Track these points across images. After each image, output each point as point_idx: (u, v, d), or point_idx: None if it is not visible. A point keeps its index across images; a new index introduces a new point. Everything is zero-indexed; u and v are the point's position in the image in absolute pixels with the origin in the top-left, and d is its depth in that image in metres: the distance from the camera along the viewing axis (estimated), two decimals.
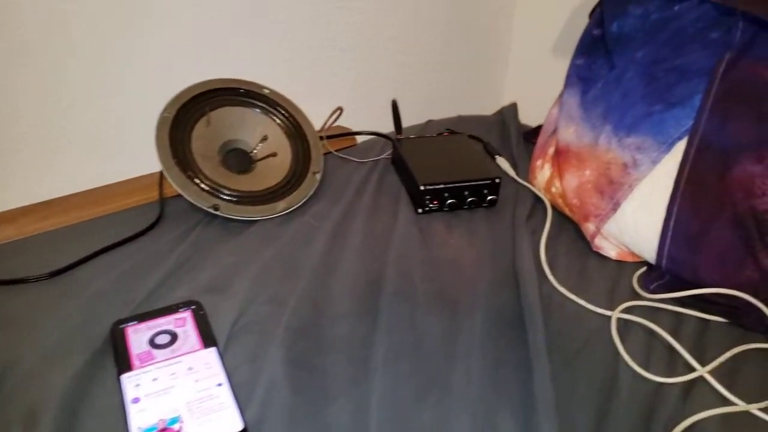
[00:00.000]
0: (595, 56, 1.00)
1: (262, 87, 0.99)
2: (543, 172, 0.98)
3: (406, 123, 1.31)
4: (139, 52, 0.95)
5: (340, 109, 1.16)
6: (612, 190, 0.84)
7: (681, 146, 0.80)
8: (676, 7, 0.89)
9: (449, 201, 0.93)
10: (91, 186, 0.97)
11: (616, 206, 0.83)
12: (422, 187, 0.91)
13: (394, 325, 0.70)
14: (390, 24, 1.25)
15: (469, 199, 0.94)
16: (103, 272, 0.77)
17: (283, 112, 0.99)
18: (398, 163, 1.05)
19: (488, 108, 1.43)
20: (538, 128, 1.17)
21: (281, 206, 0.91)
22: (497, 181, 0.94)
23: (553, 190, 0.94)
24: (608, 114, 0.89)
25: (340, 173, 1.06)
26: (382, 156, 1.12)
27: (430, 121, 1.32)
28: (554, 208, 0.96)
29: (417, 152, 1.03)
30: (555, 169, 0.94)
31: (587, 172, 0.88)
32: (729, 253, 0.74)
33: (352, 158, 1.11)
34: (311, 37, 1.15)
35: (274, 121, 0.99)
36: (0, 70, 0.84)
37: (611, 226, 0.84)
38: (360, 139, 1.22)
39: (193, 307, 0.71)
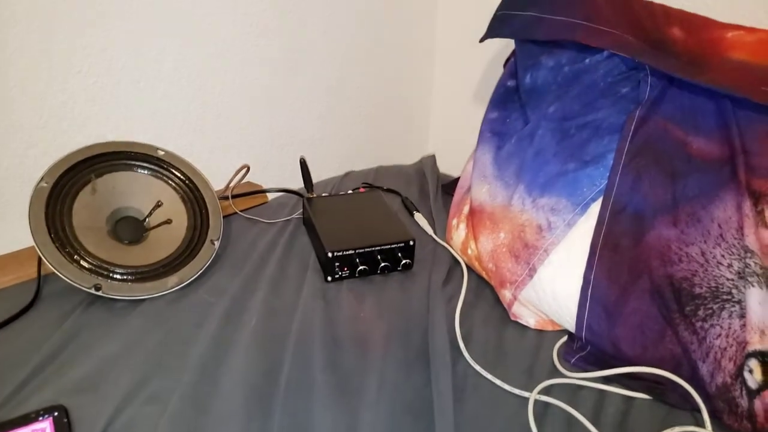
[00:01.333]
0: (510, 109, 0.95)
1: (156, 149, 0.89)
2: (458, 233, 0.90)
3: (325, 174, 1.24)
4: (15, 109, 0.83)
5: (247, 167, 1.07)
6: (527, 254, 0.77)
7: (596, 208, 0.75)
8: (587, 60, 0.85)
9: (360, 267, 0.84)
10: None
11: (532, 272, 0.76)
12: (330, 254, 0.83)
13: (289, 425, 0.61)
14: (303, 74, 1.18)
15: (383, 264, 0.86)
16: None
17: (179, 175, 0.90)
18: (308, 223, 0.97)
19: (412, 157, 1.36)
20: (456, 180, 1.10)
21: (172, 281, 0.80)
22: (411, 243, 0.86)
23: (469, 251, 0.87)
24: (521, 172, 0.83)
25: (245, 237, 0.97)
26: (293, 215, 1.04)
27: (349, 173, 1.25)
28: (471, 270, 0.89)
29: (328, 212, 0.95)
30: (470, 230, 0.87)
31: (502, 235, 0.81)
32: (648, 325, 0.68)
33: (260, 219, 1.02)
34: (215, 92, 1.05)
35: (169, 185, 0.89)
36: None
37: (528, 292, 0.77)
38: (272, 196, 1.13)
39: (55, 414, 0.60)
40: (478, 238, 0.85)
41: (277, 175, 1.21)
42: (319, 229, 0.90)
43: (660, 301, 0.68)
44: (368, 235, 0.88)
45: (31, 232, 0.75)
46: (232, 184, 1.06)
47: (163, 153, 0.90)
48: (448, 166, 1.32)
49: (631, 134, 0.76)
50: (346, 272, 0.86)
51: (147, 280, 0.80)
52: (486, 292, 0.85)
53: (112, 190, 0.85)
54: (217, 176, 1.07)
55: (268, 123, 1.15)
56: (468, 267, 0.89)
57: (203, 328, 0.74)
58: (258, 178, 1.17)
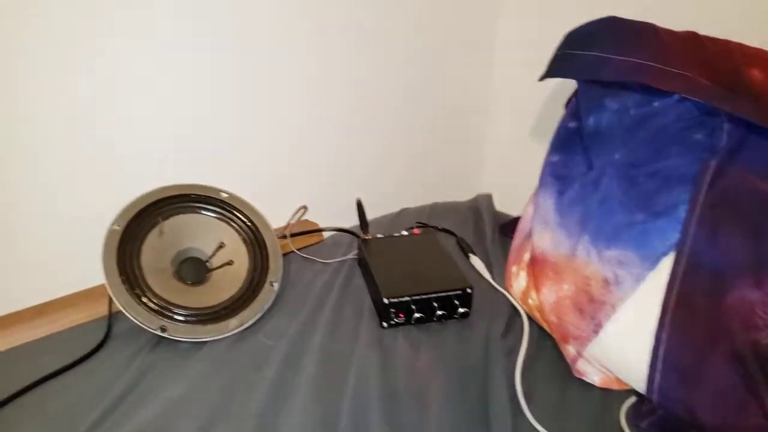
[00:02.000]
0: (572, 152, 0.91)
1: (219, 191, 0.91)
2: (519, 281, 0.87)
3: (379, 211, 1.24)
4: (88, 156, 0.87)
5: (304, 207, 1.08)
6: (593, 308, 0.73)
7: (668, 263, 0.70)
8: (656, 104, 0.80)
9: (417, 315, 0.82)
10: (37, 300, 0.87)
11: (597, 328, 0.72)
12: (387, 301, 0.81)
13: None
14: (361, 114, 1.18)
15: (439, 312, 0.83)
16: (36, 411, 0.68)
17: (242, 217, 0.91)
18: (364, 265, 0.97)
19: (467, 193, 1.34)
20: (516, 220, 1.06)
21: (233, 324, 0.81)
22: (469, 291, 0.84)
23: (530, 301, 0.84)
24: (586, 221, 0.79)
25: (302, 277, 0.97)
26: (348, 256, 1.04)
27: (403, 210, 1.25)
28: (532, 320, 0.86)
29: (383, 255, 0.94)
30: (531, 279, 0.84)
31: (565, 287, 0.77)
32: (729, 394, 0.63)
33: (316, 258, 1.02)
34: (274, 134, 1.07)
35: (232, 226, 0.91)
36: None
37: (594, 349, 0.73)
38: (328, 234, 1.14)
39: None
40: (540, 289, 0.82)
41: (333, 212, 1.20)
42: (375, 273, 0.89)
43: (742, 369, 0.63)
44: (424, 281, 0.87)
45: (104, 273, 0.78)
46: (290, 223, 1.07)
47: (226, 195, 0.91)
48: (503, 204, 1.29)
49: (707, 185, 0.72)
50: (401, 319, 0.84)
51: (209, 322, 0.81)
52: (548, 345, 0.82)
53: (177, 231, 0.88)
54: (275, 215, 1.09)
55: (326, 162, 1.17)
56: (529, 317, 0.86)
57: (262, 372, 0.75)
58: (314, 215, 1.17)
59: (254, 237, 0.91)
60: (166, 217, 0.87)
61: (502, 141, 1.46)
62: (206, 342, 0.80)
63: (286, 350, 0.78)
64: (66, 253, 0.89)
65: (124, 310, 0.77)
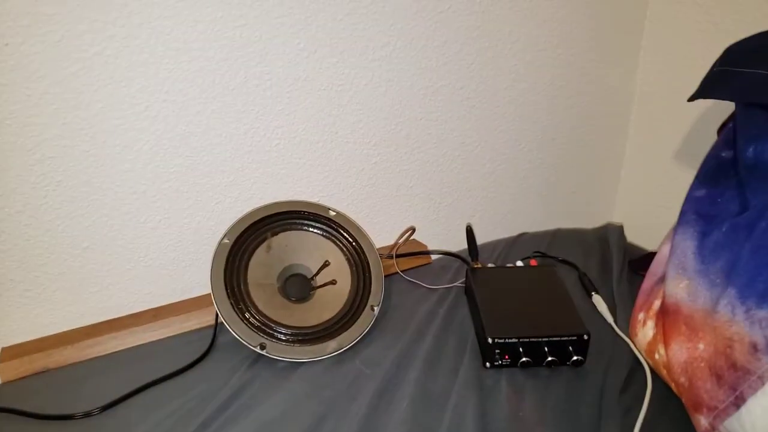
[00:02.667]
0: (723, 187, 0.81)
1: (327, 209, 0.93)
2: (645, 331, 0.79)
3: (496, 233, 1.19)
4: (203, 169, 0.93)
5: (412, 229, 1.07)
6: (734, 377, 0.63)
7: None
8: None
9: (524, 359, 0.77)
10: (154, 304, 0.95)
11: (739, 401, 0.63)
12: (491, 341, 0.77)
13: None
14: (477, 129, 1.14)
15: (550, 358, 0.77)
16: (140, 417, 0.73)
17: (347, 236, 0.92)
18: (471, 296, 0.93)
19: (595, 219, 1.25)
20: (649, 257, 0.97)
21: (332, 346, 0.82)
22: (586, 338, 0.77)
23: (657, 356, 0.75)
24: (733, 271, 0.69)
25: (405, 301, 0.96)
26: (455, 284, 1.00)
27: (522, 235, 1.19)
28: (657, 376, 0.77)
29: (493, 288, 0.90)
30: (659, 331, 0.75)
31: (701, 346, 0.68)
32: None
33: (421, 283, 1.00)
34: (388, 153, 1.07)
35: (337, 245, 0.92)
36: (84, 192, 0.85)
37: (732, 425, 0.64)
38: (435, 256, 1.11)
39: None
40: (670, 344, 0.73)
41: (443, 234, 1.19)
42: (482, 307, 0.85)
43: None
44: (536, 322, 0.81)
45: (211, 286, 0.83)
46: (398, 243, 1.07)
47: (334, 213, 0.93)
48: (636, 236, 1.18)
49: None
50: (506, 360, 0.79)
51: (308, 343, 0.82)
52: (672, 408, 0.72)
53: (285, 248, 0.91)
54: (381, 235, 1.10)
55: (438, 179, 1.14)
56: (653, 373, 0.77)
57: (356, 402, 0.74)
58: (423, 236, 1.16)
59: (358, 258, 0.92)
60: (275, 233, 0.90)
61: (639, 165, 1.34)
62: (303, 362, 0.82)
63: (381, 381, 0.77)
64: (183, 261, 0.95)
65: (227, 324, 0.80)
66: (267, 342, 0.81)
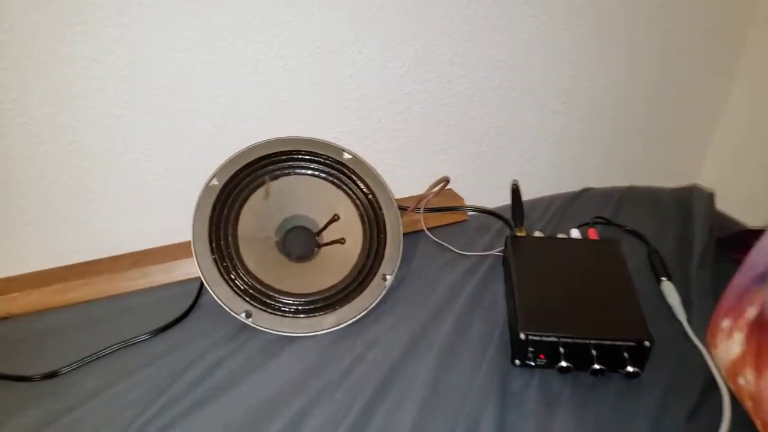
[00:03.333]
0: None
1: (341, 150, 0.78)
2: (729, 344, 0.62)
3: (554, 187, 1.02)
4: (191, 92, 0.78)
5: (447, 179, 0.91)
6: None
7: None
8: None
9: (563, 364, 0.63)
10: (136, 247, 0.85)
11: None
12: (523, 336, 0.64)
13: None
14: (543, 56, 0.94)
15: (597, 366, 0.63)
16: (99, 385, 0.65)
17: (363, 187, 0.78)
18: (508, 271, 0.77)
19: (674, 179, 1.04)
20: (745, 237, 0.78)
21: (329, 321, 0.70)
22: (646, 345, 0.62)
23: (741, 382, 0.59)
24: None
25: (428, 268, 0.82)
26: (492, 251, 0.85)
27: (586, 191, 1.00)
28: (737, 404, 0.60)
29: (536, 265, 0.74)
30: (751, 350, 0.59)
31: None
32: None
33: (451, 247, 0.85)
34: (423, 79, 0.88)
35: (350, 197, 0.78)
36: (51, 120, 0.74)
37: None
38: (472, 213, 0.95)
39: None
40: (764, 372, 0.57)
41: (484, 184, 1.02)
42: (519, 290, 0.70)
43: None
44: (584, 316, 0.66)
45: (192, 238, 0.71)
46: (428, 194, 0.91)
47: (349, 157, 0.78)
48: (728, 205, 0.95)
49: None
50: (541, 360, 0.65)
51: (303, 314, 0.71)
52: None
53: (286, 195, 0.77)
54: (407, 183, 0.95)
55: (485, 117, 0.95)
56: (733, 400, 0.61)
57: (350, 396, 0.62)
58: (459, 186, 1.00)
59: (374, 214, 0.77)
60: (275, 177, 0.77)
61: (743, 112, 1.10)
62: (295, 337, 0.70)
63: (384, 371, 0.65)
64: (169, 202, 0.84)
65: (207, 285, 0.69)
66: (253, 310, 0.70)
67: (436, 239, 0.87)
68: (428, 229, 0.88)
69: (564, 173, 1.07)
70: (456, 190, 0.99)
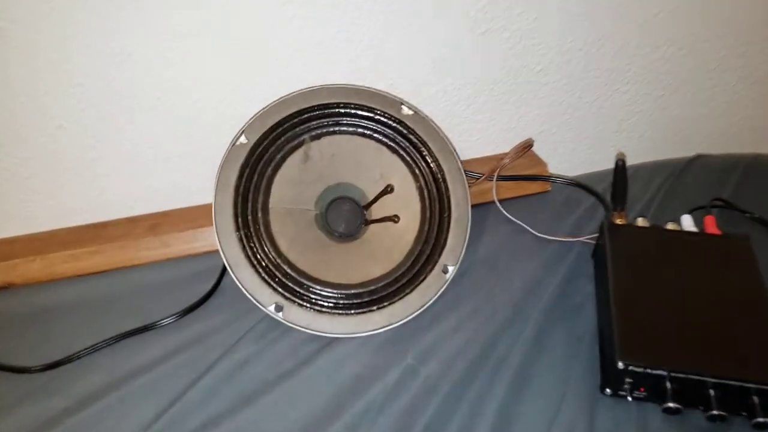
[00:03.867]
0: None
1: (400, 104, 0.64)
2: None
3: (658, 153, 0.85)
4: (218, 23, 0.64)
5: (530, 143, 0.75)
6: None
7: None
8: None
9: (671, 405, 0.50)
10: (152, 207, 0.75)
11: None
12: (621, 365, 0.51)
13: None
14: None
15: (715, 412, 0.50)
16: (98, 382, 0.56)
17: (426, 153, 0.64)
18: (601, 266, 0.62)
19: None
20: None
21: (375, 321, 0.59)
22: None
23: None
24: None
25: (499, 256, 0.68)
26: (581, 237, 0.69)
27: (697, 159, 0.83)
28: None
29: (639, 267, 0.59)
30: None
31: None
32: None
33: (528, 228, 0.71)
34: (505, 15, 0.71)
35: (407, 165, 0.64)
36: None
37: None
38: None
39: None
40: None
41: (574, 151, 0.86)
42: (617, 302, 0.55)
43: None
44: (703, 343, 0.51)
45: (214, 210, 0.59)
46: (505, 159, 0.76)
47: (410, 113, 0.64)
48: None
49: None
50: (640, 393, 0.53)
51: (343, 309, 0.59)
52: None
53: (330, 159, 0.64)
54: (477, 143, 0.81)
55: (578, 65, 0.78)
56: None
57: (394, 423, 0.52)
58: (543, 151, 0.83)
59: (436, 189, 0.63)
60: (317, 136, 0.63)
61: None
62: (332, 338, 0.59)
63: (442, 396, 0.53)
64: (193, 157, 0.73)
65: (230, 270, 0.58)
66: (284, 302, 0.58)
67: (510, 216, 0.72)
68: (501, 201, 0.74)
69: (672, 134, 0.89)
70: (536, 149, 0.82)
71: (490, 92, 0.76)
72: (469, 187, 0.66)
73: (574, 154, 0.85)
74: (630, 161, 0.81)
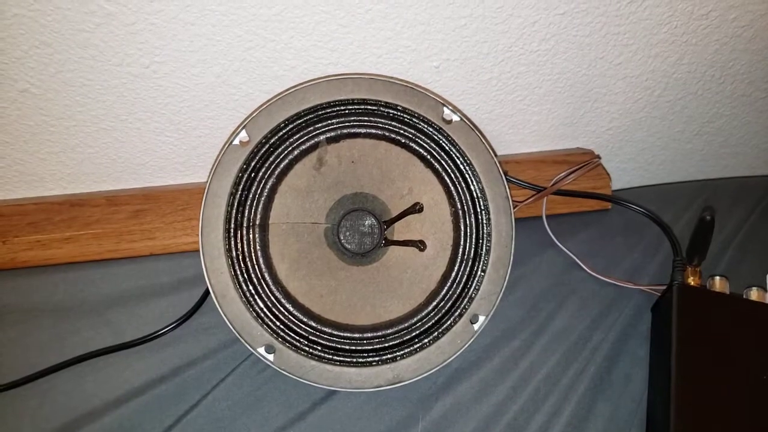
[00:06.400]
0: None
1: (442, 106, 0.50)
2: None
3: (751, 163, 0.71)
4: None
5: (596, 157, 0.62)
6: None
7: None
8: None
9: None
10: (143, 181, 0.63)
11: None
12: None
13: None
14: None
15: None
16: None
17: (467, 169, 0.51)
18: (660, 338, 0.51)
19: None
20: None
21: (384, 377, 0.49)
22: None
23: None
24: None
25: (538, 297, 0.57)
26: (641, 286, 0.57)
27: None
28: None
29: (712, 352, 0.48)
30: None
31: None
32: None
33: (581, 263, 0.58)
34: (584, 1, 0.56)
35: (442, 181, 0.52)
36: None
37: None
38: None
39: None
40: None
41: (639, 162, 0.72)
42: (678, 395, 0.45)
43: None
44: None
45: (201, 224, 0.49)
46: (564, 176, 0.61)
47: (456, 119, 0.50)
48: None
49: None
50: None
51: (346, 356, 0.49)
52: None
53: (349, 166, 0.52)
54: (530, 136, 0.67)
55: (665, 58, 0.61)
56: None
57: None
58: (606, 150, 0.70)
59: (475, 219, 0.51)
60: (335, 139, 0.51)
61: None
62: (329, 391, 0.50)
63: None
64: (190, 130, 0.60)
65: (215, 300, 0.48)
66: (277, 344, 0.49)
67: (558, 243, 0.59)
68: (549, 216, 0.61)
69: (753, 154, 0.73)
70: (600, 149, 0.68)
71: (553, 84, 0.61)
72: (524, 202, 0.55)
73: (641, 156, 0.71)
74: (707, 174, 0.69)
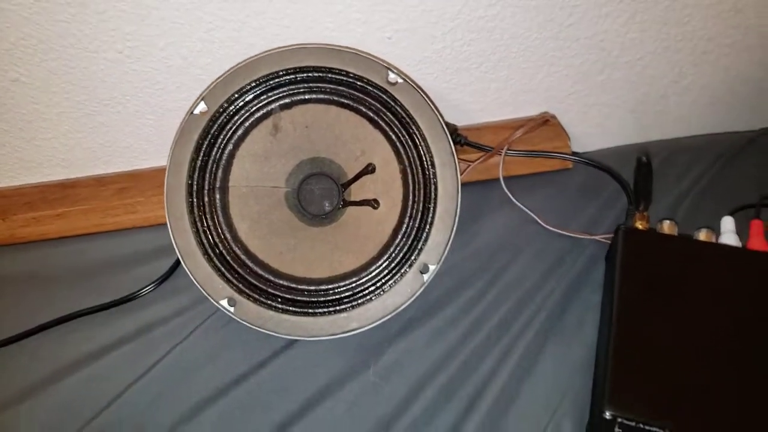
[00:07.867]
0: None
1: (387, 70, 0.53)
2: None
3: (718, 122, 0.71)
4: None
5: (546, 119, 0.63)
6: None
7: None
8: None
9: None
10: (125, 166, 0.68)
11: None
12: (609, 416, 0.42)
13: None
14: None
15: None
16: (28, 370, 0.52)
17: (414, 131, 0.53)
18: (609, 279, 0.52)
19: None
20: None
21: (340, 324, 0.51)
22: None
23: None
24: None
25: (494, 250, 0.58)
26: (597, 235, 0.58)
27: (766, 133, 0.69)
28: None
29: (654, 285, 0.48)
30: None
31: None
32: None
33: (536, 217, 0.60)
34: None
35: (391, 143, 0.54)
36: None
37: None
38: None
39: None
40: None
41: (600, 122, 0.72)
42: (617, 329, 0.46)
43: None
44: (728, 402, 0.42)
45: (165, 188, 0.53)
46: (518, 131, 0.63)
47: (399, 81, 0.52)
48: None
49: None
50: None
51: (302, 306, 0.52)
52: None
53: (303, 131, 0.55)
54: (492, 103, 0.69)
55: (619, 18, 0.62)
56: None
57: None
58: (562, 113, 0.70)
59: (422, 176, 0.53)
60: (288, 105, 0.54)
61: None
62: (287, 339, 0.53)
63: (404, 429, 0.46)
64: (164, 112, 0.64)
65: (179, 256, 0.52)
66: (238, 297, 0.52)
67: (515, 201, 0.61)
68: (509, 178, 0.62)
69: (735, 100, 0.73)
70: (563, 114, 0.69)
71: (506, 49, 0.63)
72: (475, 162, 0.57)
73: (608, 120, 0.72)
74: (676, 133, 0.69)
